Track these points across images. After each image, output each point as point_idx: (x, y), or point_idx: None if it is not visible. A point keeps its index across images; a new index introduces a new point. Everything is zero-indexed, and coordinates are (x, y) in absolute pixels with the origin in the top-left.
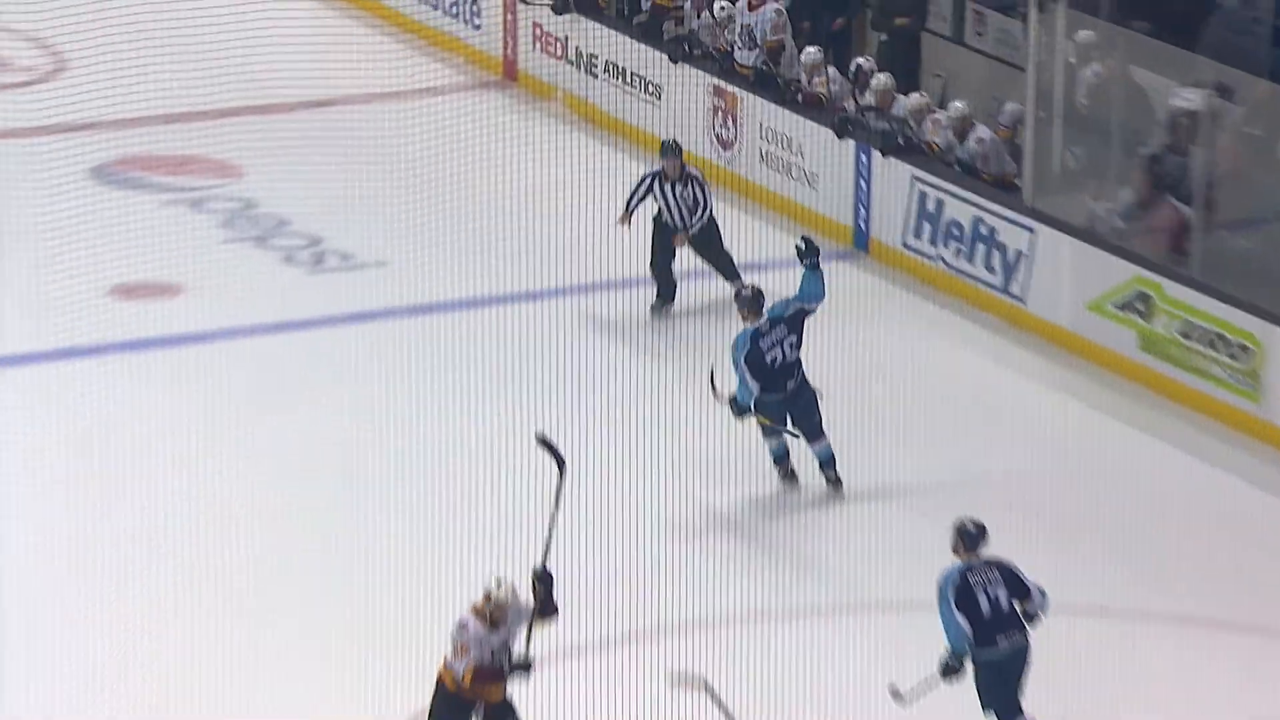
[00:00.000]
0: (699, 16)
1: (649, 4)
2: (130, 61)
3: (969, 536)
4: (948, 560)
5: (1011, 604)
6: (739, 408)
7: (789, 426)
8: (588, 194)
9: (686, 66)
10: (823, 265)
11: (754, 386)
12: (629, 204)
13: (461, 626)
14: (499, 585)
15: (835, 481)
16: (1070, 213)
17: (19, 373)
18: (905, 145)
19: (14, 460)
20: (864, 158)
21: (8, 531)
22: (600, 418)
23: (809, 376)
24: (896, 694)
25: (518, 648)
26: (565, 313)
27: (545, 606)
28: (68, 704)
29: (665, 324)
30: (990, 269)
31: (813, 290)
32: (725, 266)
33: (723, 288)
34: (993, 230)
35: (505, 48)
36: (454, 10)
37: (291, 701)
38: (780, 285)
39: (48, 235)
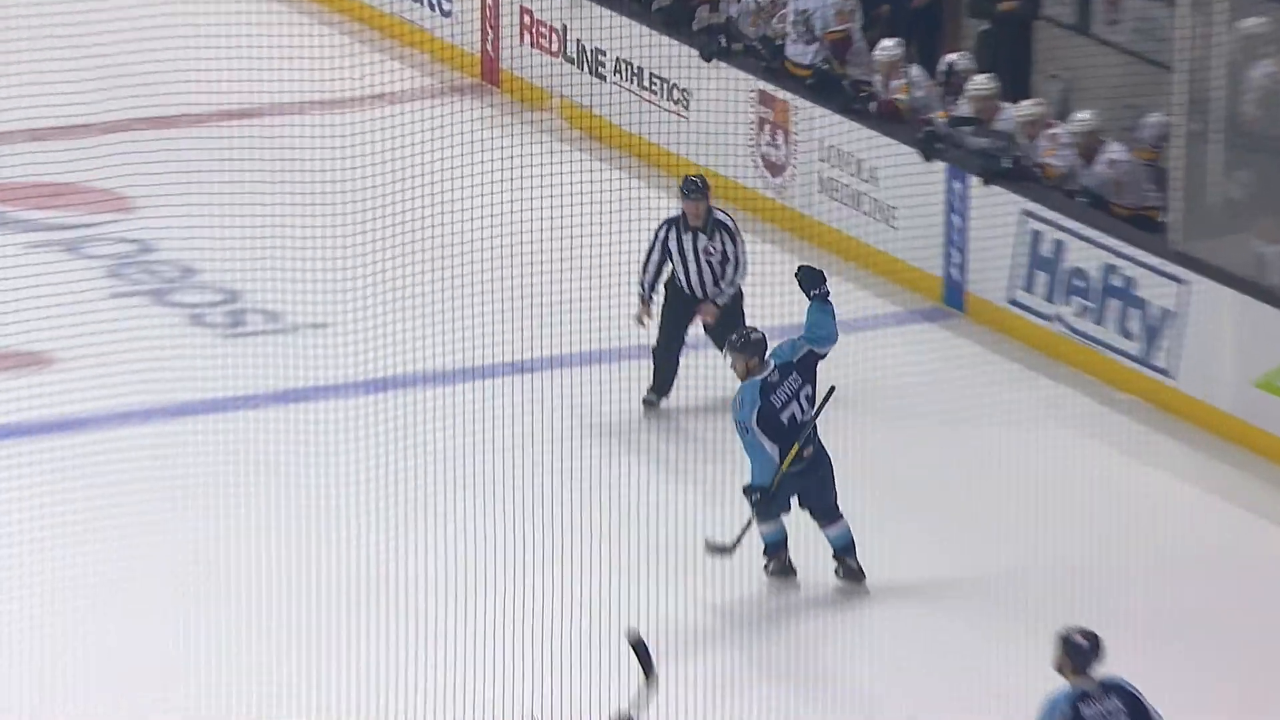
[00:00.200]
0: (739, 1)
1: None
2: None
3: (1080, 652)
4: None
5: None
6: (762, 493)
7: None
8: (589, 234)
9: (723, 65)
10: (833, 300)
11: (773, 452)
12: (644, 282)
13: None
14: None
15: (856, 574)
16: (1232, 259)
17: None
18: (1013, 169)
19: None
20: (958, 186)
21: None
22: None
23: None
24: None
25: None
26: (548, 391)
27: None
28: None
29: (658, 416)
30: (1127, 334)
31: (822, 328)
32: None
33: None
34: (1130, 281)
35: (484, 41)
36: None
37: None
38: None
39: None
